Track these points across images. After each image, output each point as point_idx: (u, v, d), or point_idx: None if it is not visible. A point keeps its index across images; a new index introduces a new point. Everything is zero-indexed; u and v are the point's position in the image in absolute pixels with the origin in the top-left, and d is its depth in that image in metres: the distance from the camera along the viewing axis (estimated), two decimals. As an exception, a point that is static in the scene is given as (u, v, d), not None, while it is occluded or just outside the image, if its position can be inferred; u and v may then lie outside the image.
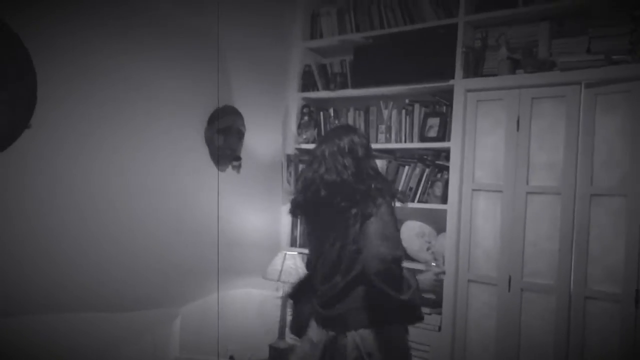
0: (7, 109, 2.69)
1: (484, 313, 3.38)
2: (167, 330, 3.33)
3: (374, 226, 2.21)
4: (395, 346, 2.31)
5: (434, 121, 3.68)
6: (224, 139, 3.77)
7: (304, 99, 4.34)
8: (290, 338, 3.91)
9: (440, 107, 3.71)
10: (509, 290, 3.28)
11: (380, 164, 3.86)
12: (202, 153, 3.74)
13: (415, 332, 3.55)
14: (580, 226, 3.08)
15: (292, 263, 3.80)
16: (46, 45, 2.85)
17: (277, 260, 3.84)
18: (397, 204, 2.38)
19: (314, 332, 2.40)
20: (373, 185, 2.31)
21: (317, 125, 4.28)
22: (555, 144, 3.19)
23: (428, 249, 3.70)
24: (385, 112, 3.91)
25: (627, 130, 2.97)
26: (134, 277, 3.29)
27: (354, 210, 2.27)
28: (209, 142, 3.76)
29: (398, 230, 2.33)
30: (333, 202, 2.31)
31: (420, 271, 2.53)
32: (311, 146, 4.22)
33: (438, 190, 3.64)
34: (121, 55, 3.21)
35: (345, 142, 2.38)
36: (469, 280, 3.44)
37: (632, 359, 2.88)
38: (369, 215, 2.23)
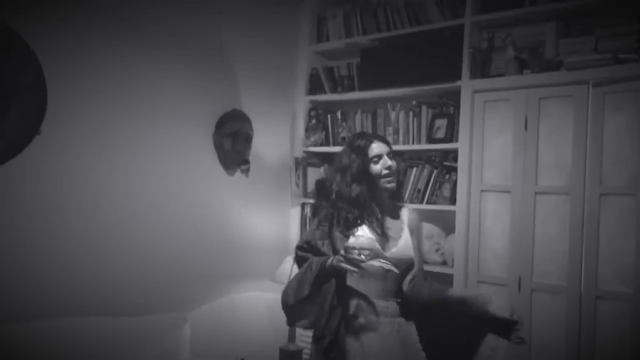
0: (19, 117, 2.73)
1: (494, 314, 3.36)
2: (176, 335, 3.32)
3: None
4: None
5: (442, 122, 3.68)
6: (232, 143, 3.79)
7: (312, 102, 4.35)
8: (299, 341, 3.92)
9: (447, 109, 3.71)
10: (519, 291, 3.27)
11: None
12: (211, 157, 3.75)
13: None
14: (589, 226, 3.07)
15: (302, 266, 3.79)
16: (54, 50, 2.88)
17: (287, 264, 3.84)
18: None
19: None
20: None
21: (324, 128, 4.29)
22: (563, 143, 3.18)
23: (437, 250, 3.70)
24: (393, 114, 3.92)
25: (636, 128, 2.96)
26: (142, 281, 3.30)
27: None
28: (218, 146, 3.78)
29: None
30: None
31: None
32: (319, 149, 4.24)
33: (446, 191, 3.64)
34: (129, 60, 3.23)
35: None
36: (479, 282, 3.43)
37: (644, 359, 2.87)
38: None
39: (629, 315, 2.93)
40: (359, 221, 2.38)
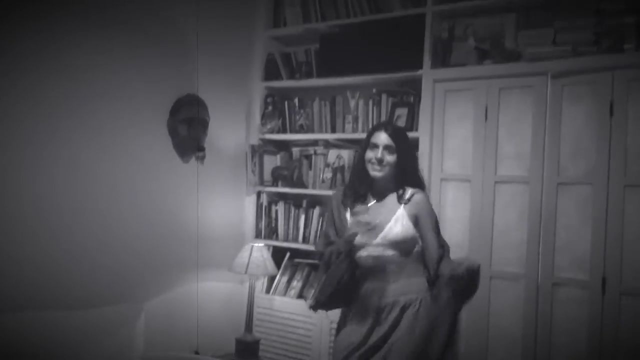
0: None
1: (453, 302, 3.40)
2: (131, 326, 3.21)
3: None
4: None
5: (402, 111, 3.68)
6: (188, 129, 3.68)
7: (268, 88, 4.27)
8: (256, 332, 3.87)
9: (407, 97, 3.71)
10: (478, 278, 3.32)
11: (347, 154, 3.85)
12: (166, 144, 3.63)
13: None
14: (547, 214, 3.14)
15: (260, 255, 3.74)
16: None
17: (244, 253, 3.77)
18: None
19: None
20: None
21: (281, 115, 4.21)
22: (522, 133, 3.23)
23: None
24: (352, 102, 3.88)
25: (593, 120, 3.04)
26: (94, 273, 3.18)
27: None
28: (172, 132, 3.66)
29: None
30: None
31: None
32: (276, 136, 4.17)
33: (406, 180, 3.64)
34: (79, 43, 3.09)
35: None
36: (438, 270, 3.46)
37: (599, 344, 2.97)
38: None
39: (585, 302, 3.02)
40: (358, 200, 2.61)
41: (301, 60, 4.16)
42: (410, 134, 3.53)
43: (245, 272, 3.71)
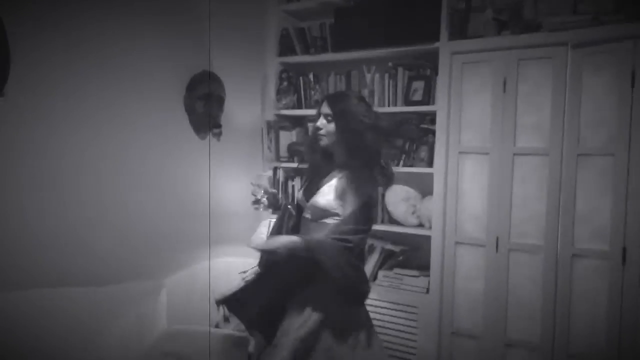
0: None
1: (472, 274, 3.42)
2: (153, 302, 3.25)
3: None
4: None
5: (419, 84, 3.65)
6: (204, 106, 3.67)
7: (283, 64, 4.25)
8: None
9: (424, 70, 3.68)
10: (497, 251, 3.32)
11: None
12: (183, 121, 3.63)
13: (403, 295, 3.61)
14: (567, 186, 3.13)
15: (278, 230, 3.75)
16: (16, 7, 2.69)
17: (262, 228, 3.77)
18: None
19: None
20: None
21: (296, 90, 4.20)
22: (542, 105, 3.21)
23: (413, 212, 3.71)
24: (368, 76, 3.86)
25: (614, 90, 3.00)
26: (115, 250, 3.19)
27: None
28: (189, 109, 3.65)
29: None
30: None
31: None
32: (291, 112, 4.16)
33: (423, 153, 3.64)
34: (97, 19, 3.05)
35: None
36: (457, 243, 3.47)
37: (619, 315, 2.97)
38: None
39: (605, 272, 3.01)
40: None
41: (316, 35, 4.13)
42: (428, 108, 3.55)
43: (264, 247, 3.72)
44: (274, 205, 2.84)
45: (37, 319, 2.69)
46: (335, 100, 2.56)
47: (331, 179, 2.57)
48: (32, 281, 2.78)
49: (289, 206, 2.74)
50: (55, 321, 2.74)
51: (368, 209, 2.47)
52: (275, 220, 2.81)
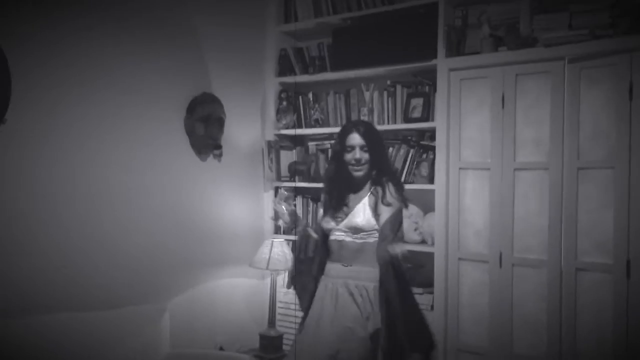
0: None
1: (476, 290, 3.41)
2: (156, 325, 3.23)
3: None
4: None
5: (417, 101, 3.67)
6: (205, 128, 3.69)
7: (282, 84, 4.27)
8: (279, 326, 3.88)
9: (422, 88, 3.70)
10: (500, 266, 3.31)
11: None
12: (183, 143, 3.64)
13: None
14: (568, 200, 3.12)
15: (280, 250, 3.75)
16: (17, 35, 2.73)
17: (265, 249, 3.78)
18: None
19: None
20: None
21: (296, 110, 4.22)
22: (541, 119, 3.22)
23: (415, 229, 3.71)
24: (367, 95, 3.87)
25: (612, 103, 3.01)
26: (117, 274, 3.19)
27: None
28: (189, 131, 3.67)
29: None
30: None
31: None
32: (291, 132, 4.18)
33: (424, 170, 3.64)
34: (96, 45, 3.10)
35: None
36: (460, 259, 3.46)
37: (625, 328, 2.95)
38: None
39: (610, 286, 3.00)
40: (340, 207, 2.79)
41: (314, 55, 4.17)
42: (427, 124, 3.56)
43: (267, 268, 3.72)
44: (293, 222, 2.89)
45: (40, 345, 2.67)
46: (366, 131, 2.71)
47: (360, 200, 2.71)
48: (34, 307, 2.77)
49: (308, 228, 2.88)
50: (58, 348, 2.73)
51: (401, 214, 2.68)
52: (296, 240, 2.94)
